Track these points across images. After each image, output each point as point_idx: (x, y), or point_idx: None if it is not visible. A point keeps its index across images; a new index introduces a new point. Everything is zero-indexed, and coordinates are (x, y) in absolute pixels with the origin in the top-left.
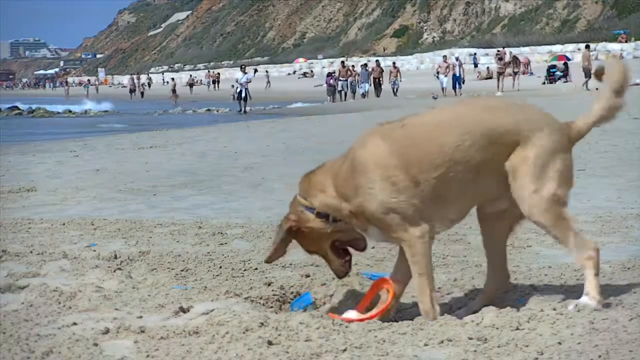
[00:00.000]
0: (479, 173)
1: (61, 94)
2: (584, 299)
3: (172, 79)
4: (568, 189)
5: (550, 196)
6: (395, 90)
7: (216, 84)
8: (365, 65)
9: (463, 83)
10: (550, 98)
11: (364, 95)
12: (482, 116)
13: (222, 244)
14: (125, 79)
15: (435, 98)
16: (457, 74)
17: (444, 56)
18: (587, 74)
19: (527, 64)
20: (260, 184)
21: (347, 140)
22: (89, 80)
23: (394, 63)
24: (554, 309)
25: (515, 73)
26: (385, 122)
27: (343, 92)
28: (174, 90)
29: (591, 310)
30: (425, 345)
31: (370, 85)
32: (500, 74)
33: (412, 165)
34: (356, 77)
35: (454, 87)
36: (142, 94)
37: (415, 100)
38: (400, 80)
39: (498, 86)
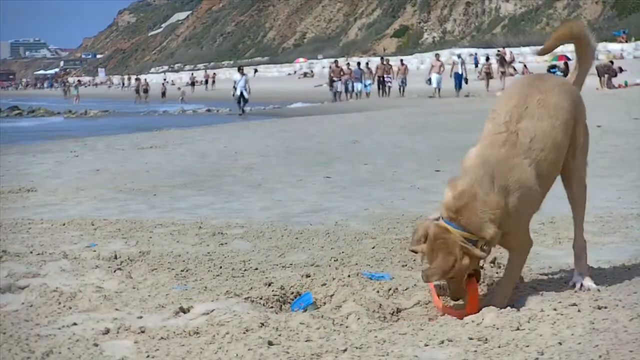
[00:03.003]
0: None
1: (59, 95)
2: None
3: (137, 78)
4: None
5: None
6: (402, 89)
7: (209, 84)
8: (359, 63)
9: (466, 82)
10: None
11: (357, 95)
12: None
13: (222, 244)
14: (115, 79)
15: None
16: (460, 73)
17: (436, 54)
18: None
19: (511, 62)
20: (260, 184)
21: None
22: (79, 80)
23: (401, 60)
24: (554, 309)
25: (503, 73)
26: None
27: (338, 93)
28: (139, 90)
29: (592, 310)
30: (426, 345)
31: (373, 84)
32: (487, 73)
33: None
34: (350, 75)
35: (456, 87)
36: (164, 93)
37: (416, 100)
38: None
39: (487, 85)
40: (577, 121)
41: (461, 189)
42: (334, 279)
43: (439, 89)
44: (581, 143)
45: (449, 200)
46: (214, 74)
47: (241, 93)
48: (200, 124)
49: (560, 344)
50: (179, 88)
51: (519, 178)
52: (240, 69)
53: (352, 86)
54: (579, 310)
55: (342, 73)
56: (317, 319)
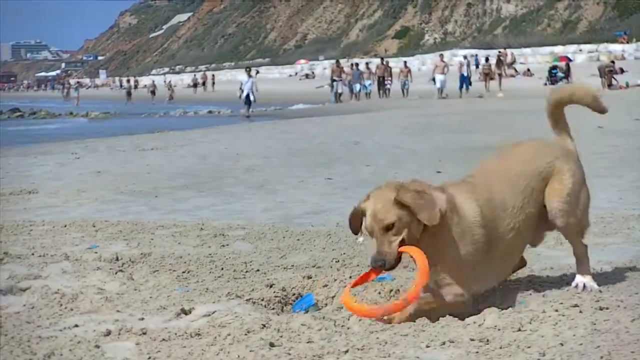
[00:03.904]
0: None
1: (60, 97)
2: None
3: (128, 80)
4: None
5: None
6: (405, 91)
7: (207, 86)
8: (357, 64)
9: (470, 84)
10: None
11: (356, 95)
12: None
13: (223, 245)
14: (104, 79)
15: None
16: (465, 74)
17: (440, 54)
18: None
19: (512, 63)
20: (261, 185)
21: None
22: (78, 82)
23: (405, 62)
24: (556, 310)
25: (500, 74)
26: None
27: (338, 94)
28: (131, 92)
29: (593, 311)
30: (427, 346)
31: (373, 84)
32: (486, 74)
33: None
34: (347, 76)
35: (461, 88)
36: (171, 96)
37: (417, 102)
38: (411, 81)
39: (486, 86)
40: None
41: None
42: (335, 280)
43: (442, 90)
44: (564, 201)
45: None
46: (213, 75)
47: (247, 95)
48: (201, 125)
49: (561, 344)
50: (169, 87)
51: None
52: (247, 70)
53: (350, 87)
54: (580, 311)
55: (342, 72)
56: (319, 320)
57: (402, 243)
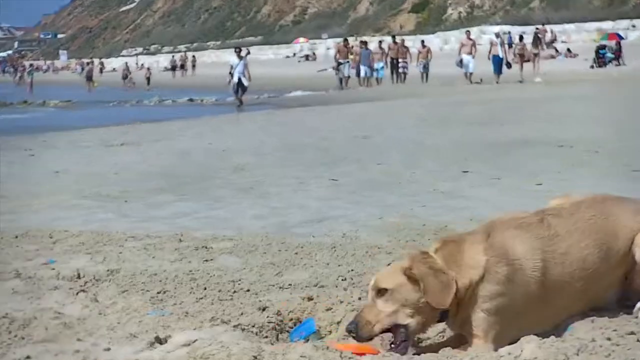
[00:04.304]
0: None
1: (10, 81)
2: None
3: (88, 62)
4: None
5: None
6: (424, 75)
7: (187, 69)
8: (365, 43)
9: (508, 67)
10: (599, 85)
11: (365, 80)
12: None
13: (207, 260)
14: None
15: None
16: (500, 55)
17: (467, 31)
18: None
19: (552, 41)
20: (252, 187)
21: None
22: (31, 65)
23: (422, 42)
24: (608, 339)
25: (536, 55)
26: None
27: (344, 78)
28: (90, 77)
29: None
30: None
31: (386, 68)
32: (521, 56)
33: None
34: (356, 57)
35: (495, 71)
36: (149, 80)
37: (439, 88)
38: (431, 63)
39: (521, 69)
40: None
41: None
42: (341, 302)
43: (471, 73)
44: None
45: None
46: (194, 57)
47: (239, 80)
48: (180, 116)
49: None
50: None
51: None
52: (237, 51)
53: (358, 70)
54: (638, 340)
55: (349, 53)
56: (322, 351)
57: (405, 329)
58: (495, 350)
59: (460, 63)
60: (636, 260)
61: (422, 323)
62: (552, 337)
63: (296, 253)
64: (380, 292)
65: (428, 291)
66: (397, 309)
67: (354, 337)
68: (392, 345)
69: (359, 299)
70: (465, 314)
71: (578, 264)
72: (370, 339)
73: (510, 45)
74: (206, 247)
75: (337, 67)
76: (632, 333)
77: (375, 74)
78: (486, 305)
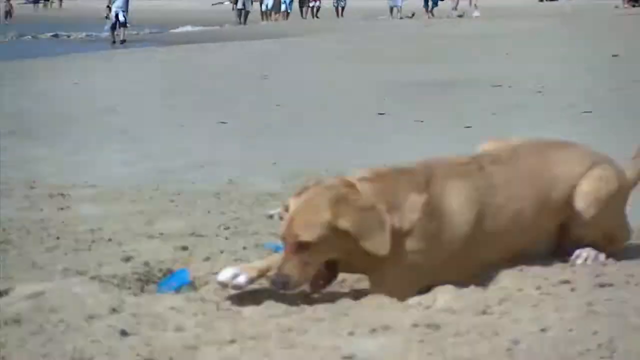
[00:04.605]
0: None
1: None
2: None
3: None
4: None
5: None
6: (340, 9)
7: (52, 1)
8: None
9: None
10: (549, 20)
11: (268, 13)
12: None
13: (62, 208)
14: None
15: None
16: None
17: None
18: None
19: None
20: (124, 131)
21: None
22: None
23: None
24: (538, 288)
25: None
26: None
27: (244, 12)
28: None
29: (591, 289)
30: (350, 334)
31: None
32: None
33: None
34: None
35: (426, 5)
36: (9, 13)
37: (358, 24)
38: None
39: (456, 4)
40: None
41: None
42: (222, 252)
43: (400, 7)
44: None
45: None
46: None
47: (117, 15)
48: (42, 54)
49: (543, 330)
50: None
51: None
52: None
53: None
54: (572, 289)
55: None
56: (195, 302)
57: (334, 267)
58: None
59: None
60: (576, 210)
61: (351, 266)
62: (473, 286)
63: (172, 201)
64: (301, 245)
65: (364, 238)
66: (322, 260)
67: (283, 290)
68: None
69: (244, 248)
70: (377, 260)
71: (513, 216)
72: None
73: None
74: (62, 195)
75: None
76: (567, 282)
77: (282, 6)
78: (404, 260)
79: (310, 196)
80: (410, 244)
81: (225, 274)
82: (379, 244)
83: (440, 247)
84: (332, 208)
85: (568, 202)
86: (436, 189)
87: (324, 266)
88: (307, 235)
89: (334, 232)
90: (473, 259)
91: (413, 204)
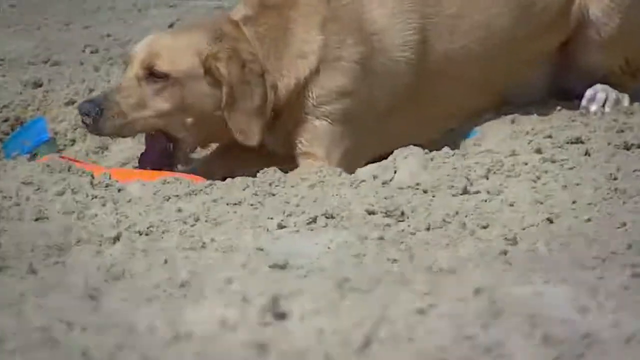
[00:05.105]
0: None
1: None
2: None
3: None
4: None
5: None
6: None
7: None
8: None
9: None
10: None
11: None
12: None
13: None
14: None
15: None
16: None
17: None
18: None
19: None
20: None
21: None
22: None
23: None
24: (539, 151)
25: None
26: None
27: None
28: None
29: (611, 151)
30: (280, 227)
31: None
32: None
33: None
34: None
35: None
36: None
37: None
38: None
39: None
40: None
41: None
42: (91, 90)
43: None
44: None
45: None
46: None
47: None
48: None
49: (549, 220)
50: None
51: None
52: None
53: None
54: (586, 152)
55: None
56: (60, 173)
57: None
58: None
59: None
60: (586, 22)
61: (203, 139)
62: (446, 148)
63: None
64: (155, 74)
65: (232, 110)
66: (172, 108)
67: (86, 125)
68: (142, 155)
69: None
70: (290, 126)
71: (478, 32)
72: (112, 135)
73: None
74: None
75: None
76: (578, 140)
77: None
78: (325, 109)
79: (185, 28)
80: (319, 89)
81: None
82: (246, 128)
83: (368, 84)
84: (213, 40)
85: (569, 8)
86: (340, 1)
87: (165, 137)
88: (167, 64)
89: (204, 77)
90: (428, 106)
91: (307, 44)
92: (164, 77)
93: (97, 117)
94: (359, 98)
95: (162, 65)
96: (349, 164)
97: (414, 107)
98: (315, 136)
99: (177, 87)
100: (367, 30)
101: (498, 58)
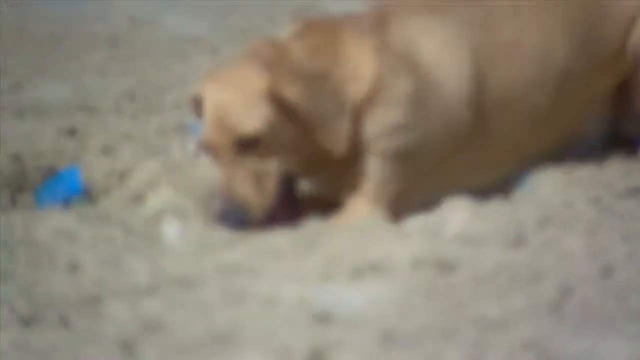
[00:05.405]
0: None
1: None
2: None
3: None
4: None
5: None
6: None
7: None
8: None
9: None
10: None
11: None
12: None
13: None
14: None
15: None
16: None
17: None
18: None
19: None
20: None
21: None
22: None
23: None
24: (596, 201)
25: None
26: None
27: None
28: None
29: None
30: (323, 278)
31: None
32: None
33: None
34: None
35: None
36: None
37: None
38: None
39: None
40: None
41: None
42: (126, 137)
43: None
44: None
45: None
46: None
47: None
48: None
49: (606, 273)
50: None
51: None
52: None
53: None
54: None
55: None
56: (93, 222)
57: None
58: (390, 219)
59: None
60: None
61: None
62: (498, 197)
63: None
64: (246, 142)
65: (317, 122)
66: (279, 160)
67: (240, 226)
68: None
69: (159, 132)
70: (339, 163)
71: (534, 61)
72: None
73: None
74: None
75: None
76: (638, 191)
77: None
78: (377, 144)
79: (229, 72)
80: (373, 121)
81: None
82: (335, 133)
83: (424, 120)
84: (267, 73)
85: (625, 43)
86: (396, 32)
87: (282, 185)
88: (249, 124)
89: (280, 111)
90: (488, 143)
91: (359, 69)
92: (255, 142)
93: (238, 217)
94: (413, 134)
95: (245, 128)
96: (399, 206)
97: (470, 145)
98: (365, 174)
99: (271, 137)
100: (417, 61)
101: (556, 92)
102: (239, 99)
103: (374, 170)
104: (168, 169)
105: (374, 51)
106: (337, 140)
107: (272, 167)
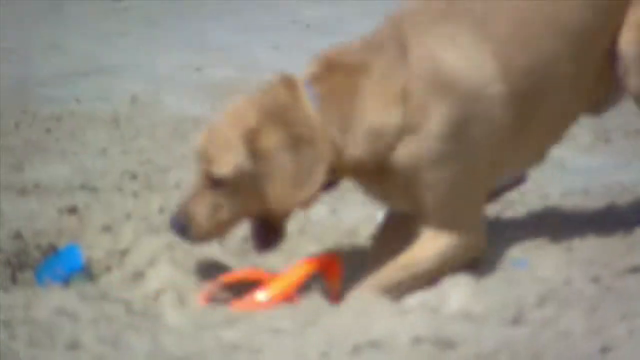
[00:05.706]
0: None
1: None
2: None
3: None
4: None
5: None
6: None
7: None
8: None
9: None
10: None
11: None
12: None
13: None
14: None
15: None
16: None
17: None
18: None
19: None
20: None
21: None
22: None
23: None
24: (596, 280)
25: None
26: None
27: None
28: None
29: None
30: (324, 355)
31: None
32: None
33: None
34: None
35: None
36: None
37: None
38: None
39: None
40: None
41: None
42: (128, 216)
43: None
44: None
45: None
46: None
47: None
48: None
49: (604, 352)
50: None
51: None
52: None
53: None
54: None
55: None
56: (93, 301)
57: (266, 223)
58: (462, 242)
59: None
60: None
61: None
62: (499, 276)
63: (48, 131)
64: (214, 181)
65: (272, 179)
66: (244, 204)
67: (181, 237)
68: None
69: (160, 211)
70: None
71: (552, 34)
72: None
73: None
74: None
75: None
76: (638, 269)
77: None
78: (429, 176)
79: (234, 107)
80: (416, 156)
81: None
82: (289, 197)
83: (468, 136)
84: (257, 114)
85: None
86: (420, 52)
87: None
88: (220, 167)
89: (254, 157)
90: (530, 132)
91: (389, 120)
92: (220, 181)
93: (180, 229)
94: (456, 158)
95: (218, 171)
96: (470, 212)
97: (516, 138)
98: (424, 206)
99: (236, 184)
100: (447, 79)
101: (577, 57)
102: (221, 137)
103: (434, 202)
104: (168, 247)
105: (402, 97)
106: (284, 203)
107: (230, 207)
